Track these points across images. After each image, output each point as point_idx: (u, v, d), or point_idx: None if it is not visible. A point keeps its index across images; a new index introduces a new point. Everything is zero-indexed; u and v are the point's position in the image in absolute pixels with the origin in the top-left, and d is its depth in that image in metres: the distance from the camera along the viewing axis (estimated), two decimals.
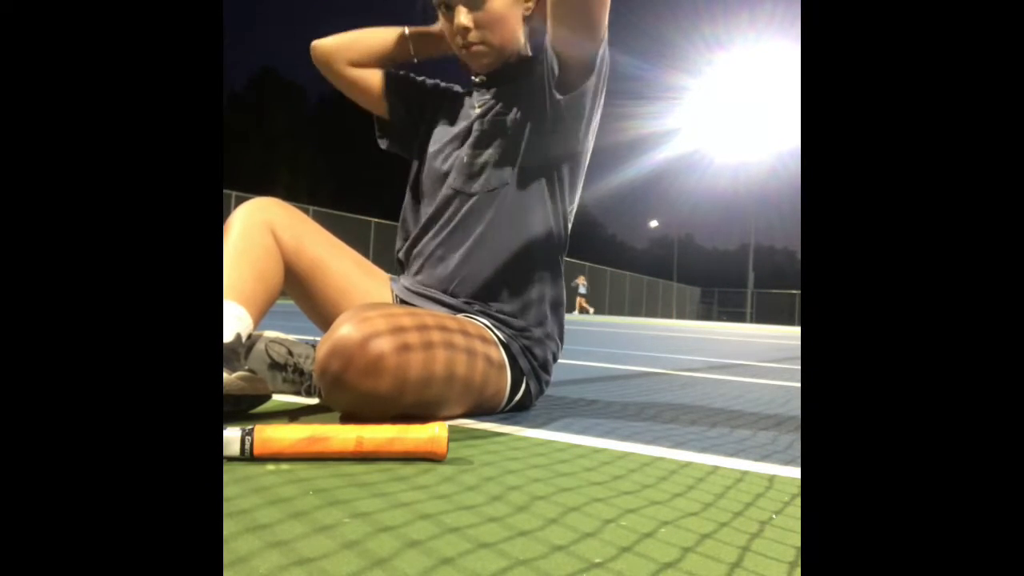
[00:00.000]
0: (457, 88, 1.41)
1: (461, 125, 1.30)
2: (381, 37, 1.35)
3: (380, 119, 1.42)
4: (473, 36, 1.21)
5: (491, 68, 1.28)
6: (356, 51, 1.33)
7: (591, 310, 22.58)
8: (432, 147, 1.32)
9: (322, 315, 1.26)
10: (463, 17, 1.19)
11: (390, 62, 1.36)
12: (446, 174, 1.27)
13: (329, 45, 1.34)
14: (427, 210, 1.29)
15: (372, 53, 1.34)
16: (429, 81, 1.41)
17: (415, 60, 1.37)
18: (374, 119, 1.43)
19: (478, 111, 1.28)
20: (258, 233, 1.15)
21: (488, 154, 1.23)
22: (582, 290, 22.12)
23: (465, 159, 1.24)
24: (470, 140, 1.26)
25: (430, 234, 1.28)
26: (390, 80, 1.38)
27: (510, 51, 1.27)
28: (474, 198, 1.23)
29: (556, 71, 1.15)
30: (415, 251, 1.30)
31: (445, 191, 1.26)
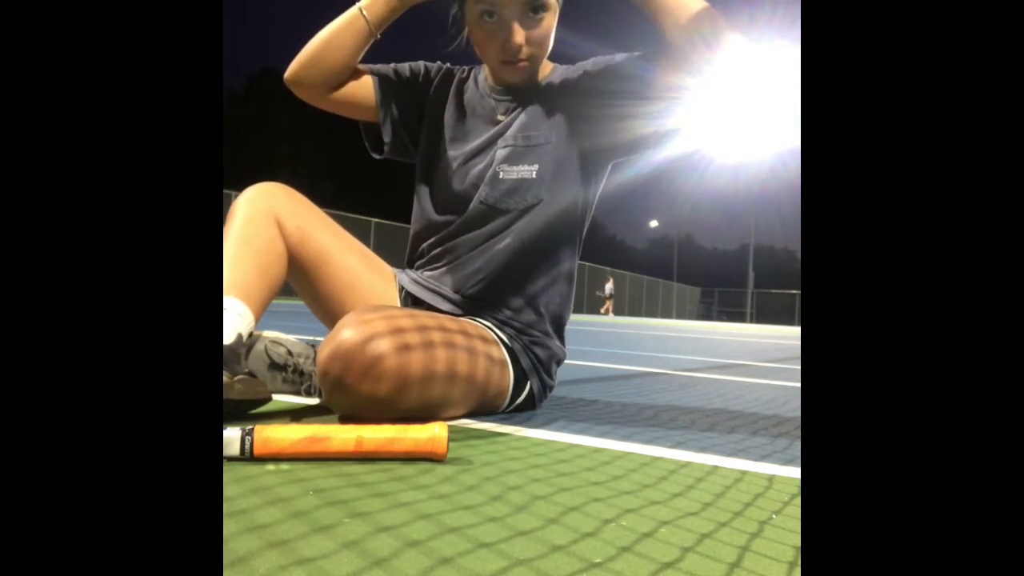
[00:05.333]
0: (447, 67, 1.34)
1: (485, 132, 1.25)
2: (341, 35, 1.19)
3: (370, 128, 1.32)
4: (524, 52, 1.17)
5: (527, 81, 1.24)
6: (327, 68, 1.21)
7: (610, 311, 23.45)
8: (452, 150, 1.27)
9: (326, 310, 1.24)
10: (518, 36, 1.14)
11: (359, 53, 1.22)
12: (475, 185, 1.23)
13: (301, 75, 1.21)
14: (451, 215, 1.25)
15: (341, 59, 1.20)
16: (412, 68, 1.32)
17: (378, 36, 1.22)
18: (362, 130, 1.33)
19: (503, 119, 1.25)
20: (262, 222, 1.12)
21: (524, 171, 1.20)
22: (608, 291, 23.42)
23: (500, 175, 1.21)
24: (504, 156, 1.21)
25: (454, 239, 1.24)
26: (381, 84, 1.28)
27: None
28: (507, 213, 1.21)
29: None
30: (433, 253, 1.28)
31: (476, 203, 1.22)
